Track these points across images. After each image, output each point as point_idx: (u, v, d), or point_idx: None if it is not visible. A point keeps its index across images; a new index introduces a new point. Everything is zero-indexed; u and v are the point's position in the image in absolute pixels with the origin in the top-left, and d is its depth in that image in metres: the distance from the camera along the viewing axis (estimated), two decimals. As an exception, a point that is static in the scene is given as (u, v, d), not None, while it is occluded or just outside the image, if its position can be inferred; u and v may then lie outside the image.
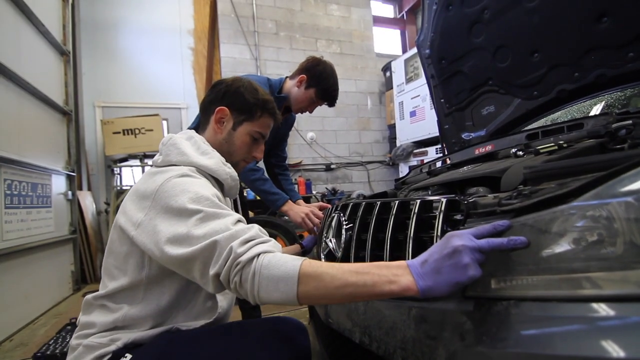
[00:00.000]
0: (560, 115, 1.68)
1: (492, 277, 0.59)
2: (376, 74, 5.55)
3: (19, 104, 2.58)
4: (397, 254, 0.77)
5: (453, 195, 0.74)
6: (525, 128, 1.70)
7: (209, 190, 0.81)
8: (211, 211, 0.74)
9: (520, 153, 1.07)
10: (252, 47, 4.82)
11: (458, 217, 0.67)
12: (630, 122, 0.92)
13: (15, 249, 2.35)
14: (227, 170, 0.94)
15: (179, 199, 0.75)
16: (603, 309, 0.48)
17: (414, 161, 4.70)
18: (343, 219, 1.00)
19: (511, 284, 0.56)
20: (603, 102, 1.55)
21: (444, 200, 0.69)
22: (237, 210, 1.17)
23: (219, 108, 0.99)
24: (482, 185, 0.99)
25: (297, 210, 1.59)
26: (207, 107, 1.02)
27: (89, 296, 0.88)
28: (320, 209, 1.63)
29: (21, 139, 2.57)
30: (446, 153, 2.11)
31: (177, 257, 0.71)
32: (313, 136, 5.08)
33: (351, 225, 0.96)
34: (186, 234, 0.71)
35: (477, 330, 0.57)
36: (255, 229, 0.75)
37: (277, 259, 0.66)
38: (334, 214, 1.08)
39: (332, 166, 5.18)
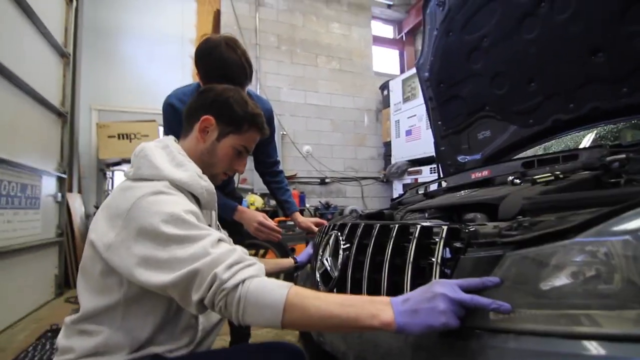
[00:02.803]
0: (554, 144, 1.72)
1: (491, 308, 0.58)
2: (374, 92, 5.62)
3: (14, 103, 2.56)
4: (395, 278, 0.77)
5: (455, 223, 0.74)
6: (520, 155, 1.73)
7: (185, 207, 0.77)
8: (188, 234, 0.72)
9: (517, 181, 1.08)
10: (253, 59, 4.84)
11: (458, 245, 0.67)
12: (624, 156, 0.95)
13: (0, 251, 2.29)
14: (202, 184, 0.89)
15: (154, 220, 0.72)
16: (596, 348, 0.49)
17: (407, 179, 4.74)
18: (341, 238, 1.00)
19: (510, 316, 0.56)
20: (594, 132, 1.59)
21: (445, 228, 0.69)
22: (218, 225, 1.14)
23: (204, 117, 0.94)
24: (479, 211, 1.00)
25: (249, 218, 1.47)
26: (192, 114, 0.97)
27: (67, 319, 0.83)
28: (317, 225, 1.62)
29: (13, 138, 2.53)
30: (441, 174, 2.14)
31: (154, 283, 0.70)
32: (309, 149, 5.10)
33: (348, 245, 0.96)
34: (164, 260, 0.70)
35: (475, 361, 0.56)
36: (239, 251, 0.73)
37: (263, 286, 0.67)
38: (331, 233, 1.07)
39: (327, 180, 5.19)
